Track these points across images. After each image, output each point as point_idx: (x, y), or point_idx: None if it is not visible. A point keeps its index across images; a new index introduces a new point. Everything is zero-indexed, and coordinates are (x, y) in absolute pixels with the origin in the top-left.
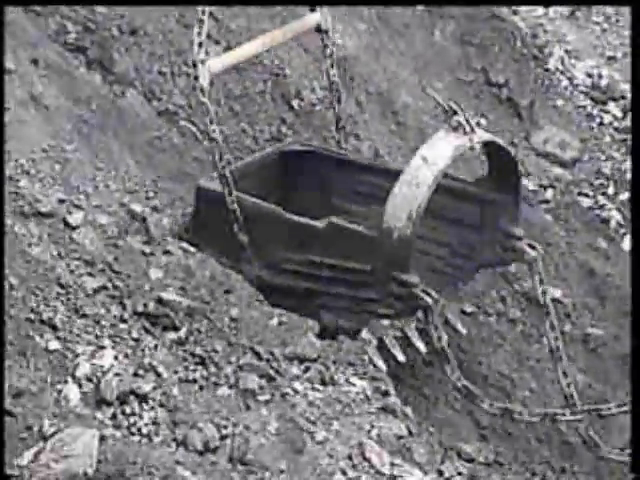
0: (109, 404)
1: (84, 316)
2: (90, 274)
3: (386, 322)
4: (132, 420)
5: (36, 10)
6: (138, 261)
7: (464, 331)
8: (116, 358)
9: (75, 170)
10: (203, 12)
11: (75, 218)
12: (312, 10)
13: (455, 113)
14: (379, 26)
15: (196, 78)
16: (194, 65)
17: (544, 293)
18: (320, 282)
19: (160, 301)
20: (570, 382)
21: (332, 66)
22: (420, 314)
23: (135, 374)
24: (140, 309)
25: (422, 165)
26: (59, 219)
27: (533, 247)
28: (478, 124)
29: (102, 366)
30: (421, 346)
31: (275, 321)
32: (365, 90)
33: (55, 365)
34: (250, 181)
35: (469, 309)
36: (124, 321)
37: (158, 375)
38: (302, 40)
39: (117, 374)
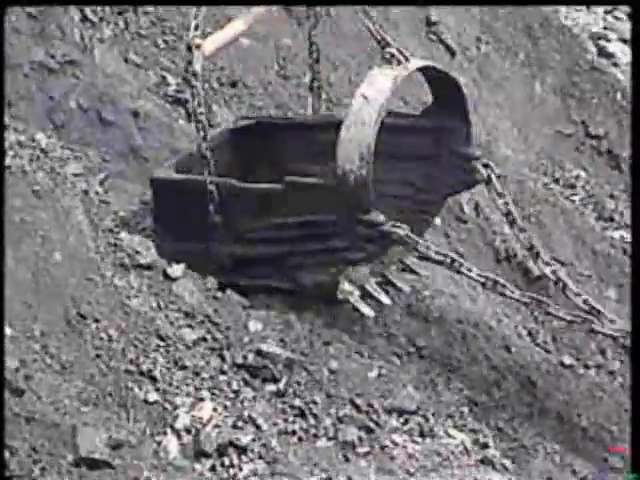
0: (208, 456)
1: (183, 368)
2: (190, 326)
3: (365, 270)
4: (231, 472)
5: (136, 62)
6: (237, 313)
7: None
8: (215, 410)
9: None
10: None
11: (175, 270)
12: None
13: (387, 45)
14: (478, 78)
15: (189, 62)
16: (189, 49)
17: (506, 204)
18: (290, 243)
19: (259, 353)
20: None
21: (315, 26)
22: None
23: (234, 426)
24: (239, 361)
25: (364, 104)
26: (159, 271)
27: (486, 165)
28: (577, 177)
29: (201, 418)
30: (405, 287)
31: (374, 373)
32: None
33: (154, 417)
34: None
35: (568, 361)
36: (223, 373)
37: (257, 427)
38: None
39: (216, 426)
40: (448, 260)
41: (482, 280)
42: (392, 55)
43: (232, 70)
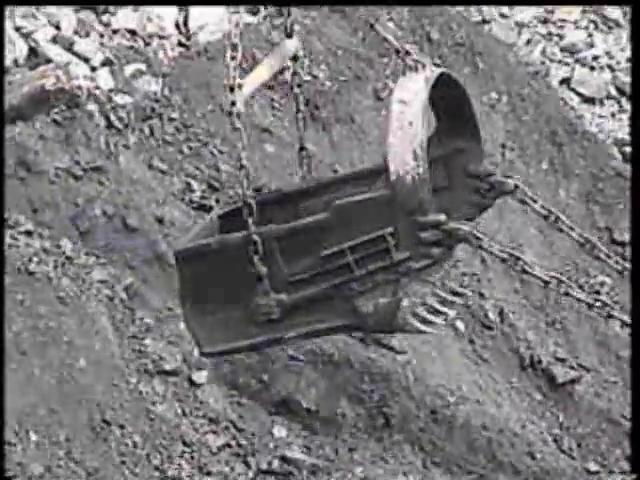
0: None
1: (208, 474)
2: (214, 432)
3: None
4: None
5: (161, 168)
6: (262, 419)
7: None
8: None
9: None
10: (235, 35)
11: (199, 376)
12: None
13: (407, 53)
14: None
15: (233, 103)
16: (231, 89)
17: (542, 206)
18: (344, 271)
19: (284, 459)
20: None
21: (299, 89)
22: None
23: None
24: (264, 467)
25: (404, 107)
26: (184, 377)
27: (509, 176)
28: (602, 284)
29: None
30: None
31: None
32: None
33: None
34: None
35: (593, 467)
36: (248, 479)
37: None
38: None
39: None
40: (512, 259)
41: (547, 279)
42: (416, 62)
43: (257, 176)
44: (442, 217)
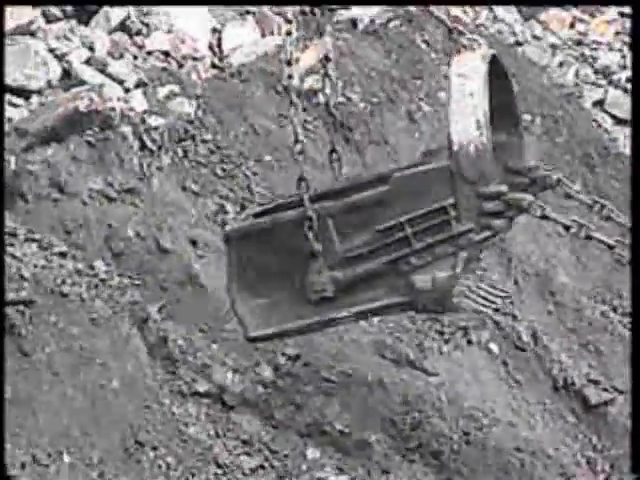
0: None
1: None
2: (247, 454)
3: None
4: None
5: (194, 190)
6: (295, 441)
7: None
8: None
9: (233, 349)
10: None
11: (232, 398)
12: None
13: (461, 33)
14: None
15: (290, 77)
16: (288, 63)
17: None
18: (402, 245)
19: None
20: None
21: (330, 84)
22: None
23: None
24: None
25: (464, 80)
26: (217, 399)
27: (551, 170)
28: None
29: None
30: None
31: None
32: (522, 270)
33: None
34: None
35: None
36: None
37: None
38: None
39: None
40: (576, 225)
41: (612, 243)
42: (470, 40)
43: None
44: (504, 187)
